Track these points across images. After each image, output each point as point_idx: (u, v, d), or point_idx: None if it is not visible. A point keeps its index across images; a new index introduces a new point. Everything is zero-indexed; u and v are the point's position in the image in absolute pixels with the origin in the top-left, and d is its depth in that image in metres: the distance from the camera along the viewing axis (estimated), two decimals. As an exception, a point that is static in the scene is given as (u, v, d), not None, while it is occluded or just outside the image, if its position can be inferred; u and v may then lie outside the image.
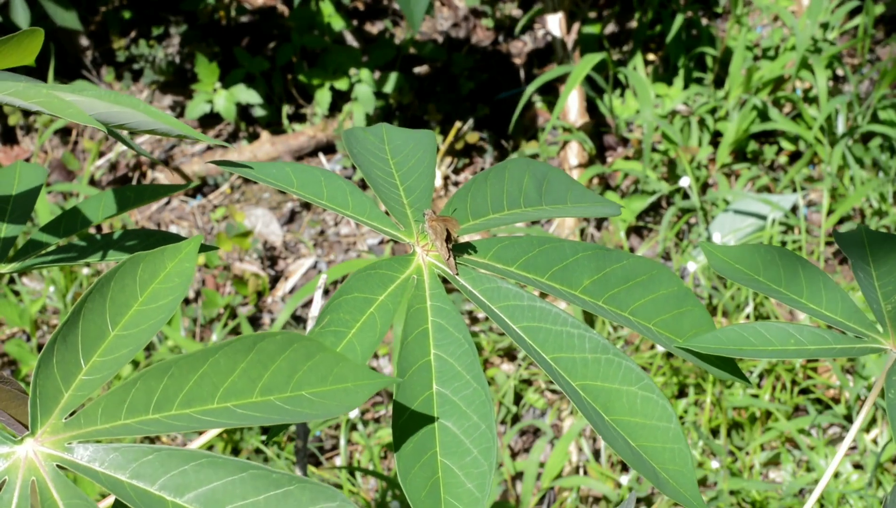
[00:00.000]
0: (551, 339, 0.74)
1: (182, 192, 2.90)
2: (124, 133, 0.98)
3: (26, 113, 3.01)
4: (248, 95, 2.94)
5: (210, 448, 2.21)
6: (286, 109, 3.04)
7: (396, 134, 0.88)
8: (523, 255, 0.79)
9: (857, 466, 2.16)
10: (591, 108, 2.95)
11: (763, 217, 2.60)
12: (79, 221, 0.92)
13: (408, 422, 0.68)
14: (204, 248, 0.86)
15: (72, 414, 0.64)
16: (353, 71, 2.94)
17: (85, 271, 2.55)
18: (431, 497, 0.66)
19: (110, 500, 0.72)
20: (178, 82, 3.12)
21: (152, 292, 0.67)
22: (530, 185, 0.83)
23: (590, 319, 2.38)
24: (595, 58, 2.68)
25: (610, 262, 0.78)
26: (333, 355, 0.62)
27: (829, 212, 2.63)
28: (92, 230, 2.68)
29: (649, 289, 0.77)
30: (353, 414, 2.27)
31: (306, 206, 2.86)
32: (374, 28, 3.25)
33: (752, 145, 2.84)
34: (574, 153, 2.79)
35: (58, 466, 0.62)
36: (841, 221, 2.64)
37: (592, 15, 3.15)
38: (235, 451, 2.21)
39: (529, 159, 0.86)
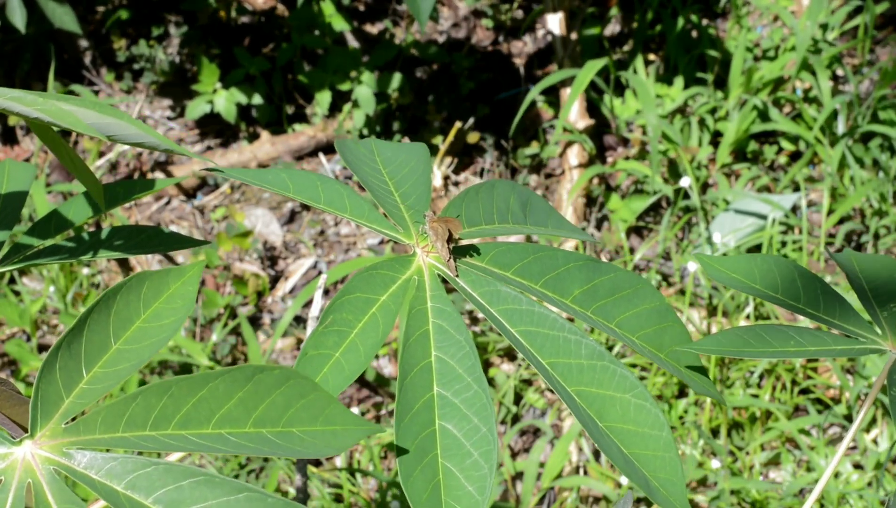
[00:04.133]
0: (549, 344, 0.75)
1: (182, 192, 2.90)
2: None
3: (26, 117, 3.00)
4: (248, 95, 2.94)
5: (210, 448, 2.21)
6: (286, 110, 3.05)
7: (386, 148, 0.89)
8: (519, 261, 0.80)
9: (858, 466, 2.16)
10: (592, 108, 2.95)
11: (763, 217, 2.60)
12: (69, 219, 0.92)
13: (409, 424, 0.69)
14: (200, 243, 0.87)
15: (71, 420, 0.64)
16: (353, 72, 2.94)
17: (85, 271, 2.56)
18: (432, 499, 0.66)
19: (101, 503, 0.73)
20: (178, 82, 3.12)
21: (155, 311, 0.68)
22: (516, 205, 0.86)
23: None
24: (598, 64, 2.68)
25: (599, 274, 0.79)
26: (326, 396, 0.63)
27: (830, 212, 2.63)
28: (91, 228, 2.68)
29: (633, 303, 0.78)
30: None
31: (306, 206, 2.86)
32: (374, 28, 3.25)
33: (753, 145, 2.84)
34: (574, 153, 2.79)
35: (54, 470, 0.63)
36: (841, 221, 2.64)
37: (591, 11, 3.15)
38: (235, 451, 2.21)
39: (513, 183, 0.89)
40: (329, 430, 0.63)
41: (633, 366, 2.35)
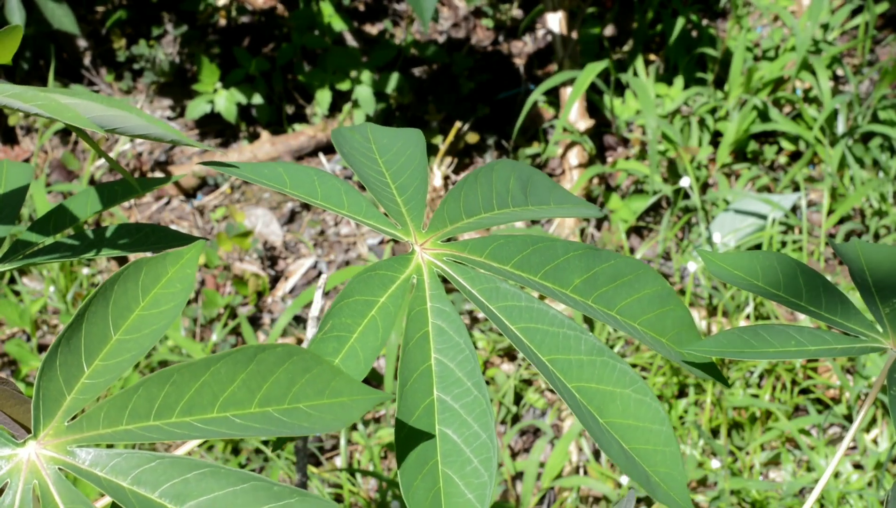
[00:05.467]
0: (548, 340, 0.74)
1: (182, 192, 2.90)
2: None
3: (26, 113, 3.00)
4: (248, 95, 2.94)
5: (210, 448, 2.21)
6: (286, 109, 3.04)
7: (382, 133, 0.88)
8: (518, 254, 0.79)
9: (858, 466, 2.16)
10: (592, 108, 2.95)
11: (763, 217, 2.59)
12: (68, 218, 0.92)
13: (410, 431, 0.68)
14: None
15: (74, 417, 0.64)
16: (353, 72, 2.94)
17: (85, 270, 2.55)
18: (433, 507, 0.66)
19: (108, 499, 0.72)
20: (178, 82, 3.12)
21: (154, 298, 0.67)
22: (516, 186, 0.84)
23: (590, 321, 2.38)
24: (599, 66, 2.69)
25: (599, 261, 0.78)
26: (331, 368, 0.63)
27: (830, 212, 2.63)
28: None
29: (635, 288, 0.78)
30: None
31: (306, 206, 2.86)
32: (374, 29, 3.25)
33: (753, 145, 2.84)
34: (574, 154, 2.79)
35: (59, 469, 0.62)
36: (841, 221, 2.64)
37: (591, 11, 3.15)
38: (235, 451, 2.21)
39: (514, 162, 0.87)
40: (337, 402, 0.62)
41: (633, 366, 2.35)
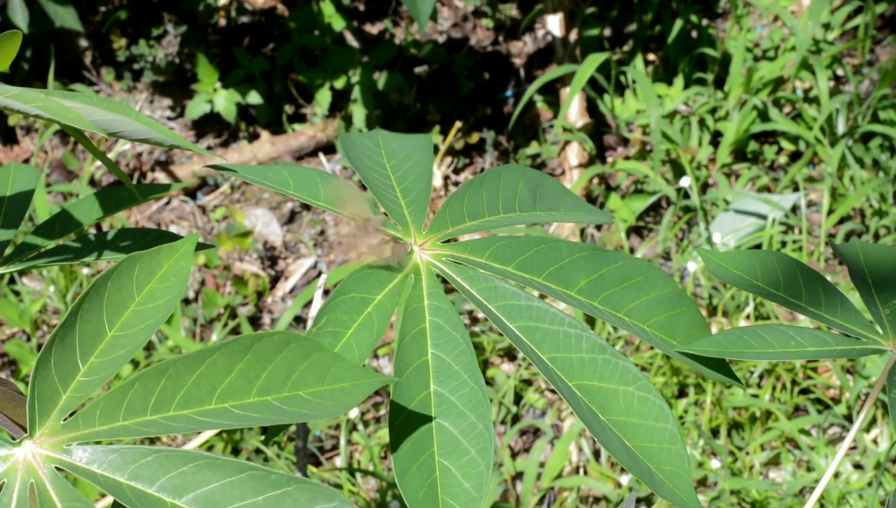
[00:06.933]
0: (548, 338, 0.74)
1: (182, 192, 2.90)
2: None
3: (26, 114, 3.00)
4: (248, 95, 2.94)
5: (210, 448, 2.21)
6: (286, 109, 3.04)
7: (392, 139, 0.88)
8: (520, 255, 0.79)
9: (858, 466, 2.16)
10: (591, 107, 2.95)
11: (763, 217, 2.59)
12: (73, 221, 0.92)
13: (405, 422, 0.68)
14: (200, 246, 0.86)
15: (70, 415, 0.64)
16: (353, 71, 2.94)
17: (85, 271, 2.55)
18: (429, 497, 0.66)
19: (109, 500, 0.72)
20: (178, 82, 3.12)
21: (149, 292, 0.67)
22: (525, 191, 0.83)
23: (591, 319, 2.38)
24: (599, 58, 2.68)
25: (606, 263, 0.77)
26: (330, 354, 0.62)
27: (830, 212, 2.63)
28: (92, 229, 2.68)
29: (644, 290, 0.77)
30: (353, 414, 2.27)
31: (306, 206, 2.86)
32: (374, 28, 3.25)
33: (753, 145, 2.84)
34: (574, 153, 2.79)
35: (56, 468, 0.62)
36: (841, 221, 2.64)
37: (591, 11, 3.15)
38: (235, 451, 2.21)
39: (524, 167, 0.86)
40: (337, 388, 0.62)
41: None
